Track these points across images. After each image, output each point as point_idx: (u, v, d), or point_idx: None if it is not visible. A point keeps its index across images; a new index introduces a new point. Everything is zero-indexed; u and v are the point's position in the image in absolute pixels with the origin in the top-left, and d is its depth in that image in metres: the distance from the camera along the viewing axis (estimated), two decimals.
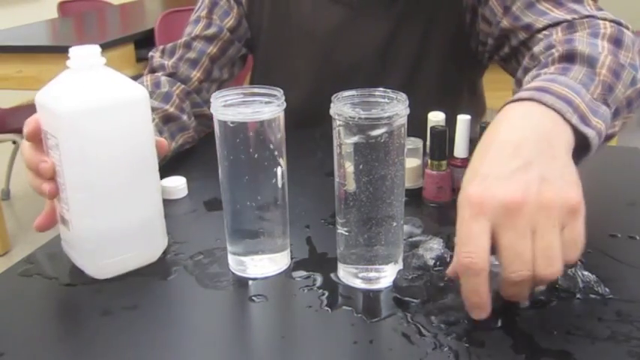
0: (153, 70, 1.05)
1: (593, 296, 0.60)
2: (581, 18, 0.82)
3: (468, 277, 0.54)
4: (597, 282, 0.61)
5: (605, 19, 0.81)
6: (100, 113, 0.62)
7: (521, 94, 0.64)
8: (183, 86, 1.02)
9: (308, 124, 0.98)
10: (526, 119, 0.61)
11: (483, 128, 0.82)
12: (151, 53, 1.08)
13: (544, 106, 0.61)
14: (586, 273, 0.62)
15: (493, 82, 1.16)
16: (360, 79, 1.03)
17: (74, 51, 0.63)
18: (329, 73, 1.06)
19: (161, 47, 1.07)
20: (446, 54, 1.04)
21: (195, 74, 1.04)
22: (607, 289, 0.61)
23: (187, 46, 1.05)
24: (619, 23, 0.80)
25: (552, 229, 0.53)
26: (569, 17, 0.83)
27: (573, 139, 0.61)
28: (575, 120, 0.61)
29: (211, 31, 1.05)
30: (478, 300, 0.54)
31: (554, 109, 0.61)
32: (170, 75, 1.03)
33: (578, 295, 0.60)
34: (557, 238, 0.53)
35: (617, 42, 0.75)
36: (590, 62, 0.70)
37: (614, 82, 0.69)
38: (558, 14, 0.85)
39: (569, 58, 0.73)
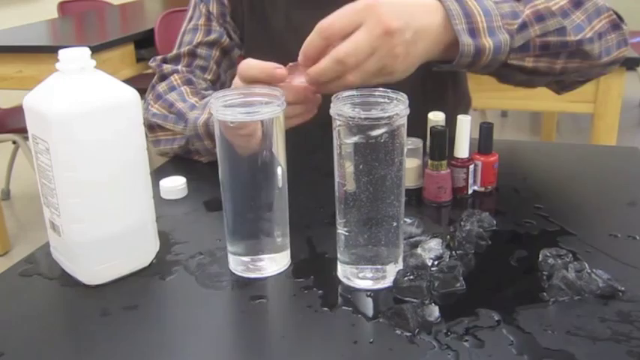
0: (164, 77, 1.05)
1: (611, 295, 0.60)
2: None
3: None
4: (612, 280, 0.61)
5: None
6: (91, 117, 0.61)
7: None
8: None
9: None
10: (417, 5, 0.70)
11: (485, 128, 0.83)
12: (154, 63, 1.08)
13: (442, 6, 0.71)
14: (599, 272, 0.62)
15: (479, 83, 1.16)
16: None
17: (64, 53, 0.61)
18: None
19: (161, 57, 1.08)
20: None
21: (207, 77, 1.07)
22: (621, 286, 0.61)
23: (192, 54, 1.06)
24: None
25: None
26: None
27: (444, 43, 0.71)
28: (460, 27, 0.69)
29: (212, 37, 1.07)
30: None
31: (448, 12, 0.69)
32: (187, 80, 1.04)
33: (598, 294, 0.61)
34: None
35: (577, 3, 0.80)
36: (527, 2, 0.77)
37: (531, 23, 0.76)
38: None
39: None
